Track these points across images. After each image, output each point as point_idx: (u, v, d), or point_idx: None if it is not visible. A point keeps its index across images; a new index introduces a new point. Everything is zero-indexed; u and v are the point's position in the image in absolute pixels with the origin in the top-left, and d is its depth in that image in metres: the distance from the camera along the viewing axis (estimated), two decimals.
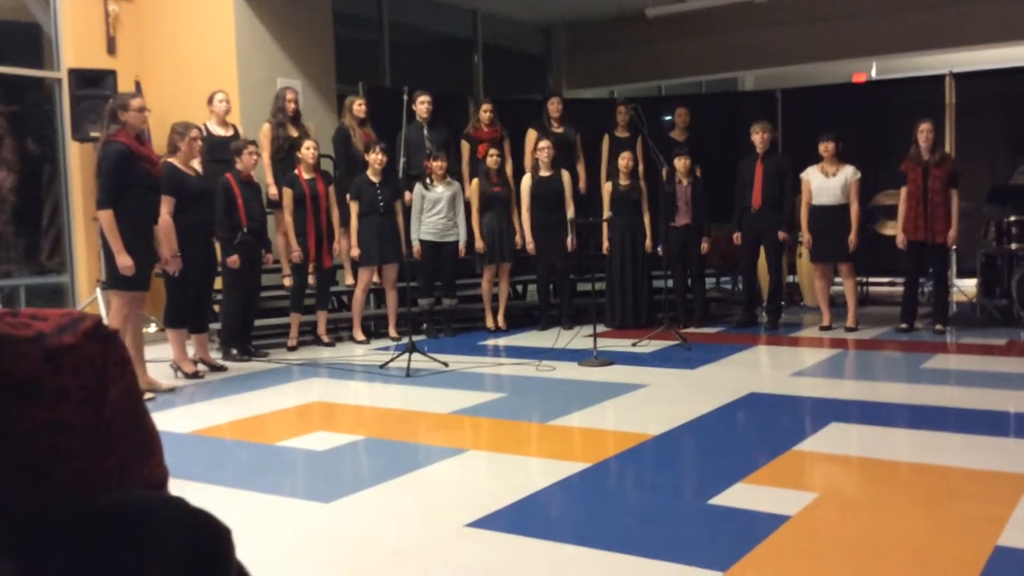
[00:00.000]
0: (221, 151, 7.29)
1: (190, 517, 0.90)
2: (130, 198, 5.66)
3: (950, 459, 4.17)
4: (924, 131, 7.39)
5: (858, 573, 2.92)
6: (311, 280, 7.65)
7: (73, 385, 0.88)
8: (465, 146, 8.67)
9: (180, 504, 0.91)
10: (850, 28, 11.20)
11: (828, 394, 5.55)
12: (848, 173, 7.72)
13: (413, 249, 7.92)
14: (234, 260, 6.83)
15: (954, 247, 8.11)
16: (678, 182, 8.19)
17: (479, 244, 8.23)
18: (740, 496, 3.67)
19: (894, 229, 7.74)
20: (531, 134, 8.74)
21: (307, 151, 7.48)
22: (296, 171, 7.50)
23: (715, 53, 12.17)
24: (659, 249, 8.05)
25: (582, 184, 8.71)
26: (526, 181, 8.35)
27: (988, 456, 4.13)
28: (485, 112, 8.63)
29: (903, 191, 7.54)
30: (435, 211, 7.98)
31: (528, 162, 8.67)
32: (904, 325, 7.68)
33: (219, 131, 7.63)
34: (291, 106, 7.89)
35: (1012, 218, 7.84)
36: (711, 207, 8.28)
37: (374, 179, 7.75)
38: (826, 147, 7.73)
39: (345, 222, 7.99)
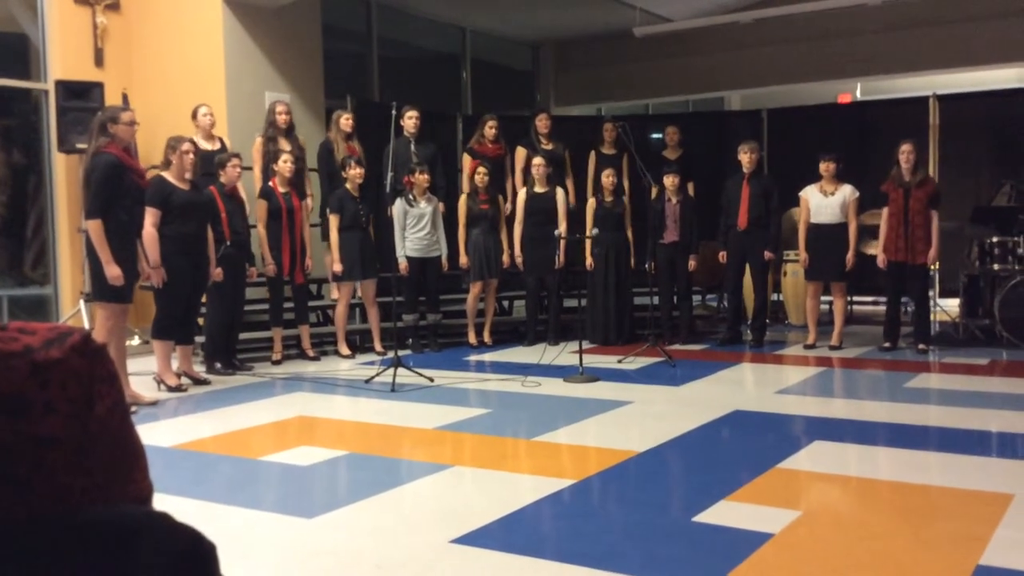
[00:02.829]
0: (208, 164, 7.28)
1: (176, 532, 0.90)
2: (119, 209, 5.66)
3: (932, 478, 4.19)
4: (905, 152, 7.46)
5: None
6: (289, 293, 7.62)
7: (60, 399, 0.88)
8: (467, 160, 8.67)
9: (166, 519, 0.91)
10: (836, 49, 11.31)
11: (812, 412, 5.57)
12: (847, 192, 7.77)
13: (400, 266, 7.90)
14: (218, 273, 6.80)
15: (935, 268, 8.17)
16: (667, 200, 8.23)
17: (463, 260, 8.24)
18: (724, 513, 3.67)
19: (877, 249, 7.80)
20: (520, 152, 8.76)
21: (283, 164, 7.46)
22: (271, 184, 7.49)
23: (702, 72, 12.25)
24: (648, 266, 8.08)
25: (571, 199, 8.75)
26: (521, 196, 8.38)
27: (970, 475, 4.15)
28: (490, 128, 8.62)
29: (884, 211, 7.61)
30: (419, 227, 7.97)
31: (518, 179, 8.69)
32: (887, 344, 7.73)
33: (205, 145, 7.61)
34: (282, 118, 7.88)
35: (995, 239, 7.90)
36: (699, 225, 8.32)
37: (355, 193, 7.74)
38: (827, 167, 7.78)
39: (324, 236, 7.97)
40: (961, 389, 6.15)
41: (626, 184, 8.86)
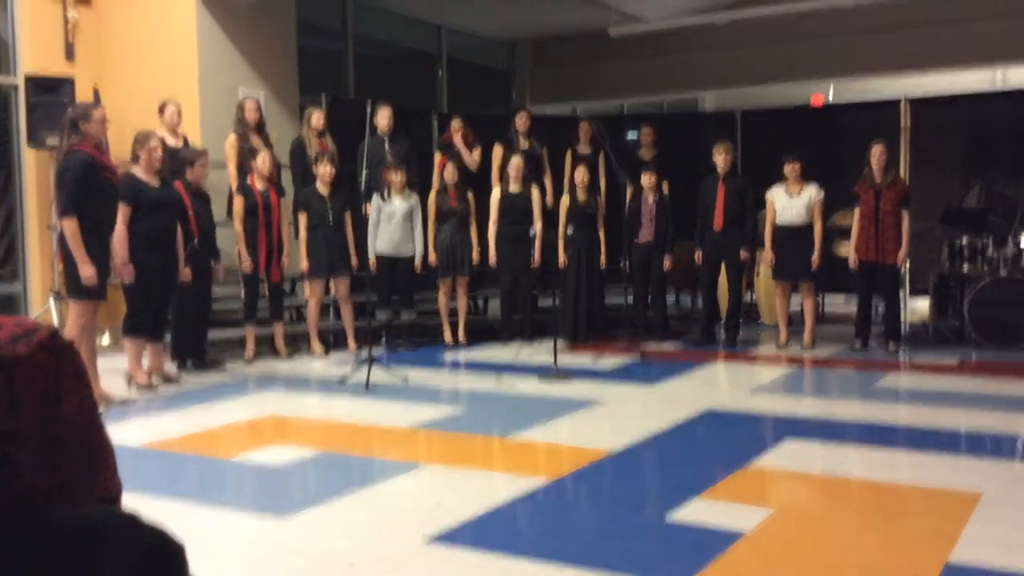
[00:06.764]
0: (173, 161, 7.22)
1: (143, 533, 0.89)
2: (92, 207, 5.61)
3: (903, 476, 4.24)
4: (876, 153, 7.54)
5: None
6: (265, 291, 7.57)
7: (25, 396, 0.86)
8: (438, 157, 8.69)
9: (133, 519, 0.90)
10: (809, 50, 11.39)
11: (784, 411, 5.60)
12: (812, 193, 7.84)
13: (369, 262, 7.88)
14: (186, 274, 6.70)
15: (905, 266, 8.25)
16: (643, 199, 8.25)
17: (432, 257, 8.22)
18: (697, 511, 3.69)
19: (847, 249, 7.87)
20: (497, 149, 8.76)
21: (262, 162, 7.42)
22: (249, 180, 7.44)
23: (676, 72, 12.31)
24: (623, 265, 8.10)
25: (549, 198, 8.76)
26: (495, 195, 8.38)
27: (939, 473, 4.19)
28: (456, 131, 8.71)
29: (856, 212, 7.69)
30: (391, 224, 7.95)
31: (495, 177, 8.69)
32: (859, 344, 7.79)
33: (170, 140, 7.54)
34: (251, 116, 7.83)
35: (964, 240, 7.99)
36: (673, 224, 8.35)
37: (323, 191, 7.71)
38: (792, 168, 7.84)
39: (298, 234, 7.93)
40: (931, 388, 6.21)
41: (602, 183, 8.88)
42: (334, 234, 7.71)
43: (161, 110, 7.54)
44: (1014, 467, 4.41)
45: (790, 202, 7.87)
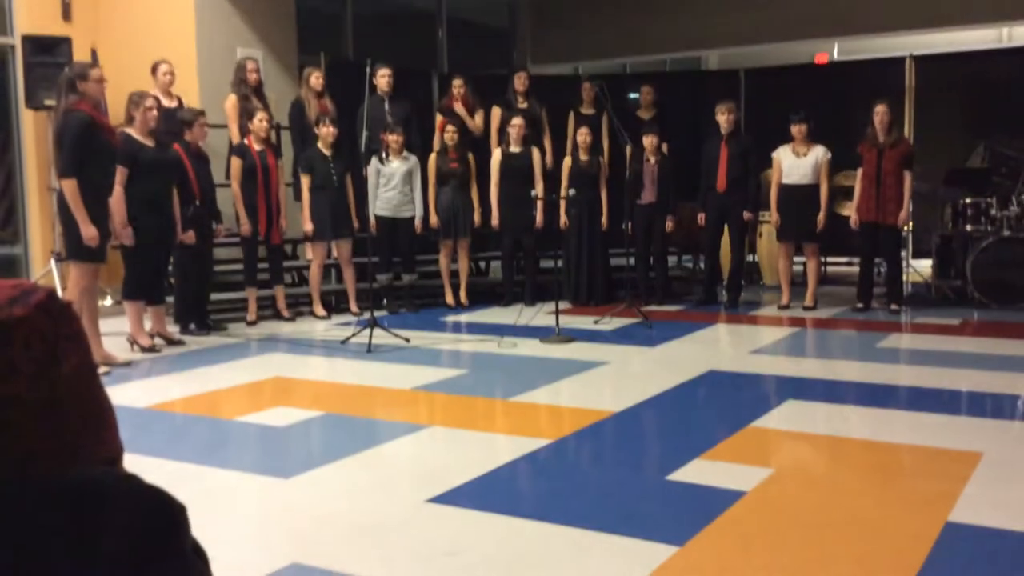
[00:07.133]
0: (168, 122, 7.17)
1: (143, 495, 0.89)
2: (92, 168, 5.58)
3: (903, 436, 4.25)
4: (880, 113, 7.47)
5: (812, 547, 2.97)
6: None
7: (24, 359, 0.86)
8: (439, 119, 8.62)
9: (133, 481, 0.90)
10: (814, 9, 11.25)
11: (785, 372, 5.61)
12: (819, 153, 7.79)
13: (369, 224, 7.86)
14: (189, 236, 6.71)
15: (907, 229, 8.22)
16: (645, 160, 8.21)
17: (433, 220, 8.20)
18: (698, 472, 3.71)
19: (851, 210, 7.85)
20: (496, 111, 8.69)
21: (259, 123, 7.36)
22: (247, 141, 7.39)
23: (680, 32, 12.17)
24: (625, 226, 8.07)
25: (548, 159, 8.70)
26: (496, 157, 8.33)
27: (940, 433, 4.21)
28: (457, 88, 8.59)
29: (859, 172, 7.65)
30: (389, 186, 7.92)
31: (493, 139, 8.63)
32: (860, 305, 7.79)
33: (164, 102, 7.48)
34: (252, 76, 7.77)
35: (967, 200, 7.96)
36: (676, 185, 8.31)
37: (326, 152, 7.66)
38: (799, 128, 7.79)
39: (297, 196, 7.89)
40: (932, 349, 6.22)
41: (605, 144, 8.82)
42: (337, 196, 7.69)
43: (154, 71, 7.47)
44: (1015, 427, 4.42)
45: (797, 163, 7.82)
